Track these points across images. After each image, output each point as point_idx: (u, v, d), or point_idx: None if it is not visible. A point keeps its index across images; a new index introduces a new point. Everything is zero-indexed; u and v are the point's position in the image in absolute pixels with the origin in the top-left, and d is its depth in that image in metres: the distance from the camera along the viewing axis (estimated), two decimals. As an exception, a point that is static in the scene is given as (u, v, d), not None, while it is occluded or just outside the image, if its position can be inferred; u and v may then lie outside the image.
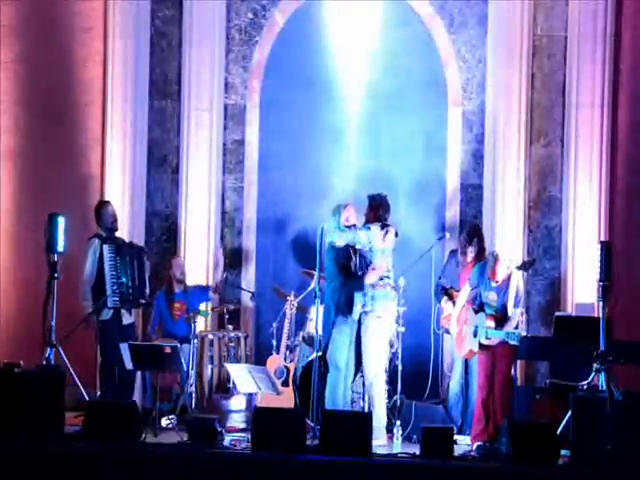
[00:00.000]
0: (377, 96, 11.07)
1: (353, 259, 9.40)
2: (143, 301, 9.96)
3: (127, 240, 10.23)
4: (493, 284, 9.12)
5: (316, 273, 9.25)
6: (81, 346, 9.81)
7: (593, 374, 8.64)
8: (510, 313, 9.04)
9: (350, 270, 9.40)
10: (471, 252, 9.80)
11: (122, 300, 9.73)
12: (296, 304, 10.14)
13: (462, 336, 9.35)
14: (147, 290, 10.00)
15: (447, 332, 9.91)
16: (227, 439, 8.54)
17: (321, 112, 11.08)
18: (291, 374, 9.87)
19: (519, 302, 9.11)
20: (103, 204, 10.11)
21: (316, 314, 9.22)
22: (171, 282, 10.60)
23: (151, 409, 9.20)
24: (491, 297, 9.12)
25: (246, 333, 10.55)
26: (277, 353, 10.00)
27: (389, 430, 9.27)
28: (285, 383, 9.84)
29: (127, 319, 9.83)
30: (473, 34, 11.03)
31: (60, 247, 9.35)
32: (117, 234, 10.03)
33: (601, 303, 8.82)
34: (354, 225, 9.41)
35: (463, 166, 11.02)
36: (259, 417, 8.32)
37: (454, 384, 9.82)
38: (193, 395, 9.81)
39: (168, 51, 11.15)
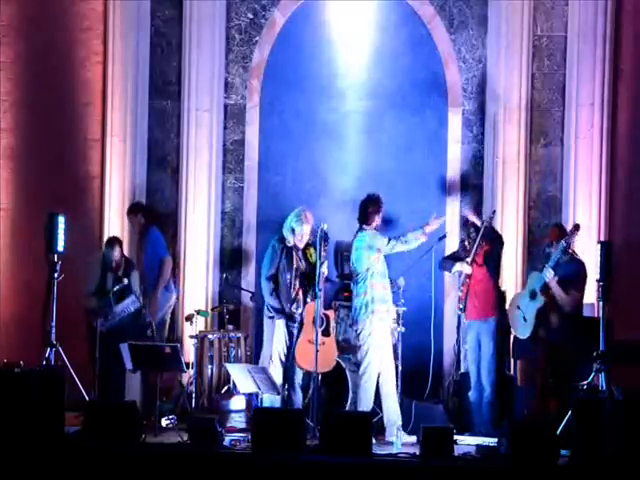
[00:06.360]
0: (377, 96, 11.08)
1: None
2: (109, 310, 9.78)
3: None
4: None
5: (316, 274, 9.25)
6: (81, 346, 9.82)
7: (593, 374, 8.65)
8: None
9: None
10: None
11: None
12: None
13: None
14: (113, 305, 9.75)
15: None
16: (227, 439, 8.54)
17: (321, 112, 11.09)
18: (331, 321, 9.52)
19: None
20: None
21: (317, 314, 9.21)
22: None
23: (151, 409, 9.20)
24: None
25: (246, 333, 10.54)
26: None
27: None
28: (325, 332, 9.40)
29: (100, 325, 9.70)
30: (473, 34, 11.03)
31: (60, 247, 9.35)
32: None
33: (601, 303, 8.82)
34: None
35: (463, 166, 11.03)
36: (259, 417, 8.31)
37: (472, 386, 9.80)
38: (193, 395, 9.81)
39: (168, 51, 11.15)
